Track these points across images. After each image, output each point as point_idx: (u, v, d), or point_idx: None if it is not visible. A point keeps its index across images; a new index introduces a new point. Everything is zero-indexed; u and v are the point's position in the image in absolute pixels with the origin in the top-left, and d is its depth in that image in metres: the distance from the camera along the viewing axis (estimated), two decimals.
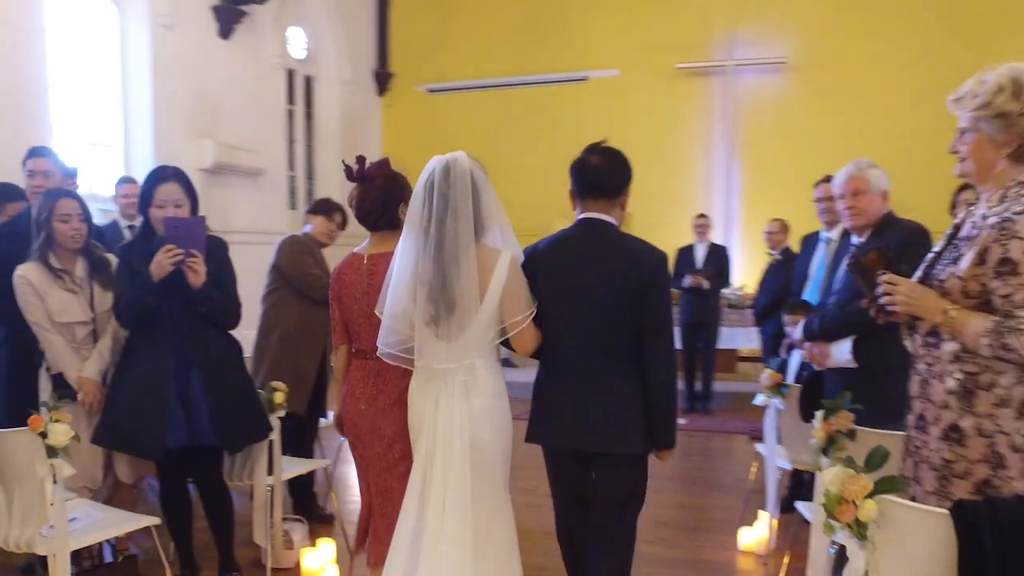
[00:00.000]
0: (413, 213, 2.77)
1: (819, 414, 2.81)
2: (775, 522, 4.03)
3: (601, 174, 3.08)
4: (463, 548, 2.61)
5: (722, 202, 10.91)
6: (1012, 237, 1.98)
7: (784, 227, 7.04)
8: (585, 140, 12.69)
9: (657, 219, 11.22)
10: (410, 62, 12.24)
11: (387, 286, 2.76)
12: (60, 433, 2.68)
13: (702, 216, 8.39)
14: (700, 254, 8.11)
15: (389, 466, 2.91)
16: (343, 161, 3.10)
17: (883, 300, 2.21)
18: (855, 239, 3.39)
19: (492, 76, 11.86)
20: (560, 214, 11.14)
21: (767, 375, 3.96)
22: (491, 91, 11.90)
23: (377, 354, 2.79)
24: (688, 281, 7.89)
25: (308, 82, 11.31)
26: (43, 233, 3.39)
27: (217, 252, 3.40)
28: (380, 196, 2.99)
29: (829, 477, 1.92)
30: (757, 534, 4.12)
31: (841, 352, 3.23)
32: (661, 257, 2.88)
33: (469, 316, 2.68)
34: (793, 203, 10.43)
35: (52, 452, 2.69)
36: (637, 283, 2.77)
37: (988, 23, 9.98)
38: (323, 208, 4.75)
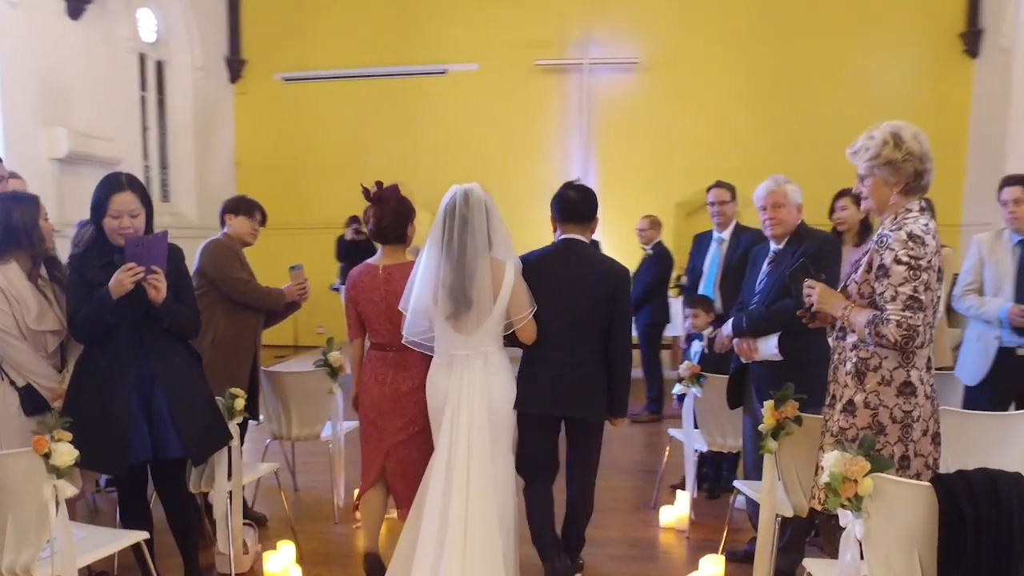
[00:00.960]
0: (436, 230, 3.48)
1: (768, 403, 3.17)
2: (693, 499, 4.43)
3: (577, 205, 3.82)
4: (486, 496, 3.33)
5: None
6: (885, 248, 2.66)
7: (655, 223, 7.55)
8: (446, 132, 13.25)
9: (517, 211, 11.51)
10: (264, 49, 12.02)
11: (410, 287, 3.46)
12: (65, 453, 2.62)
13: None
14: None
15: (410, 438, 3.61)
16: (361, 184, 3.89)
17: (806, 302, 2.92)
18: (774, 246, 3.79)
19: (350, 67, 11.85)
20: (422, 205, 11.31)
21: (686, 366, 4.34)
22: (350, 82, 11.89)
23: (403, 341, 3.48)
24: None
25: (160, 67, 10.84)
26: (30, 233, 3.23)
27: (175, 261, 3.35)
28: (395, 216, 3.73)
29: (832, 460, 2.26)
30: (677, 511, 4.51)
31: (768, 347, 3.64)
32: (626, 270, 3.74)
33: (484, 313, 3.38)
34: (647, 197, 11.13)
35: (55, 472, 2.61)
36: (609, 290, 3.60)
37: (800, 33, 11.07)
38: (243, 207, 4.64)
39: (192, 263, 4.30)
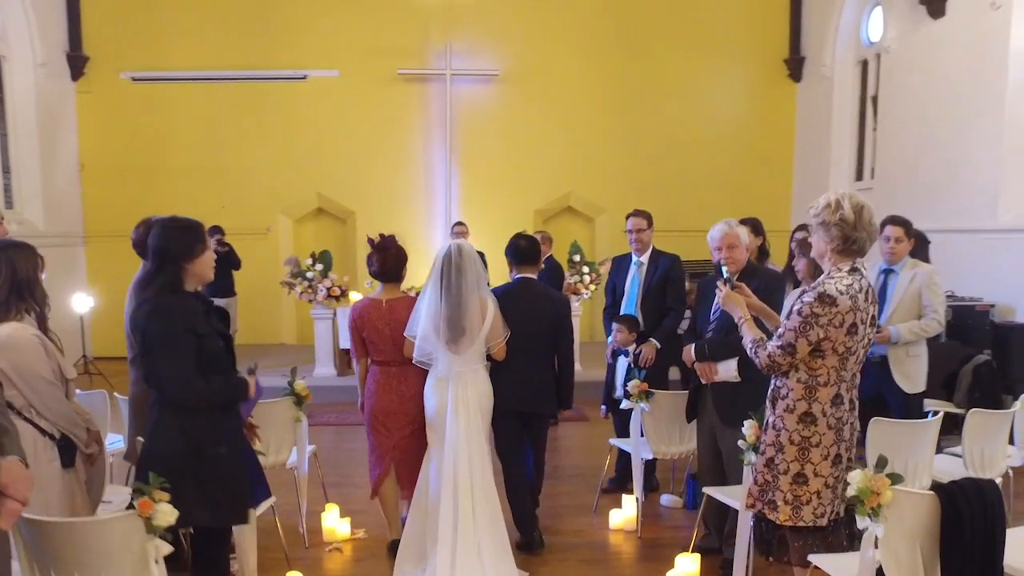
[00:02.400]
0: (435, 276, 4.35)
1: (749, 422, 3.69)
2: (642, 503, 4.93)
3: (527, 251, 4.93)
4: (487, 479, 4.33)
5: (443, 204, 11.68)
6: (802, 297, 3.20)
7: (548, 239, 7.96)
8: (307, 138, 13.44)
9: (380, 217, 11.74)
10: (109, 46, 11.52)
11: (415, 319, 4.38)
12: (167, 513, 2.67)
13: (460, 224, 9.07)
14: None
15: (412, 433, 4.54)
16: (367, 236, 4.71)
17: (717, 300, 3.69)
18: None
19: (206, 68, 11.62)
20: (282, 211, 11.28)
21: (634, 384, 4.82)
22: (205, 84, 11.64)
23: (413, 361, 4.40)
24: None
25: None
26: (35, 287, 3.16)
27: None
28: (395, 261, 4.65)
29: (858, 477, 2.78)
30: (625, 514, 4.99)
31: (727, 370, 4.17)
32: (566, 297, 5.46)
33: (474, 339, 4.37)
34: (508, 204, 11.63)
35: (153, 532, 2.67)
36: (556, 314, 4.86)
37: (648, 52, 11.99)
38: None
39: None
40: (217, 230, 9.93)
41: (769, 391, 3.36)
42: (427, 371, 4.40)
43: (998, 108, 7.93)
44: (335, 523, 4.89)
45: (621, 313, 5.80)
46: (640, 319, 5.69)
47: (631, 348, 5.58)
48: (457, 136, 11.76)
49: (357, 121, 11.72)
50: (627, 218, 5.96)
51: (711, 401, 4.34)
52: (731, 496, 4.09)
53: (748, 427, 3.74)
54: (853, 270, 3.18)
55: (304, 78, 11.69)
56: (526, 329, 4.58)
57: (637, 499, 5.01)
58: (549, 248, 8.16)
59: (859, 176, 10.99)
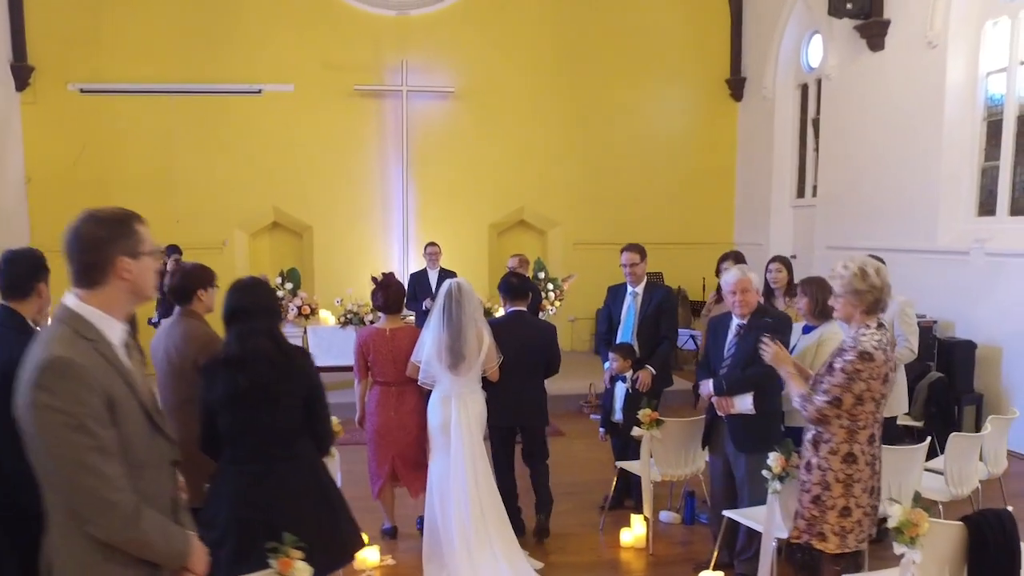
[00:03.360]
0: (437, 309, 5.03)
1: (773, 455, 4.11)
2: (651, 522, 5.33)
3: (518, 288, 5.70)
4: (491, 482, 5.04)
5: (399, 218, 11.88)
6: (842, 355, 3.61)
7: (524, 262, 8.28)
8: (262, 152, 13.71)
9: (338, 232, 11.91)
10: (55, 56, 11.31)
11: (420, 347, 5.09)
12: (303, 570, 2.85)
13: (433, 244, 9.29)
14: (433, 279, 9.02)
15: (412, 441, 5.18)
16: (371, 276, 5.75)
17: (761, 351, 4.04)
18: (737, 320, 4.73)
19: (157, 81, 11.52)
20: (238, 226, 11.29)
21: (645, 413, 5.20)
22: (157, 96, 11.50)
23: (419, 383, 5.11)
24: (427, 304, 8.76)
25: None
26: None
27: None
28: (396, 295, 5.39)
29: (899, 511, 3.21)
30: (635, 532, 5.37)
31: (744, 403, 4.58)
32: (553, 327, 6.04)
33: (471, 365, 5.03)
34: (463, 219, 11.91)
35: None
36: (544, 341, 5.64)
37: (596, 72, 12.48)
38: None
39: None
40: (174, 250, 9.89)
41: (810, 435, 3.75)
42: (422, 390, 5.13)
43: (936, 138, 8.63)
44: (365, 552, 5.11)
45: (618, 340, 6.18)
46: (636, 346, 6.08)
47: (628, 374, 5.95)
48: (413, 151, 11.95)
49: (313, 135, 11.80)
50: (621, 252, 6.30)
51: (726, 431, 4.74)
52: (751, 519, 4.50)
53: (774, 459, 4.15)
54: (879, 326, 3.64)
55: (259, 92, 11.70)
56: (520, 355, 5.34)
57: (647, 518, 5.39)
58: (527, 269, 8.47)
59: (800, 194, 11.68)
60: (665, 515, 5.92)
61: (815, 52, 11.27)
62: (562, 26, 12.27)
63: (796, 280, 6.36)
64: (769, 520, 4.26)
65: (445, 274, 9.27)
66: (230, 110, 11.64)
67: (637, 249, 6.26)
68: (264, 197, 11.84)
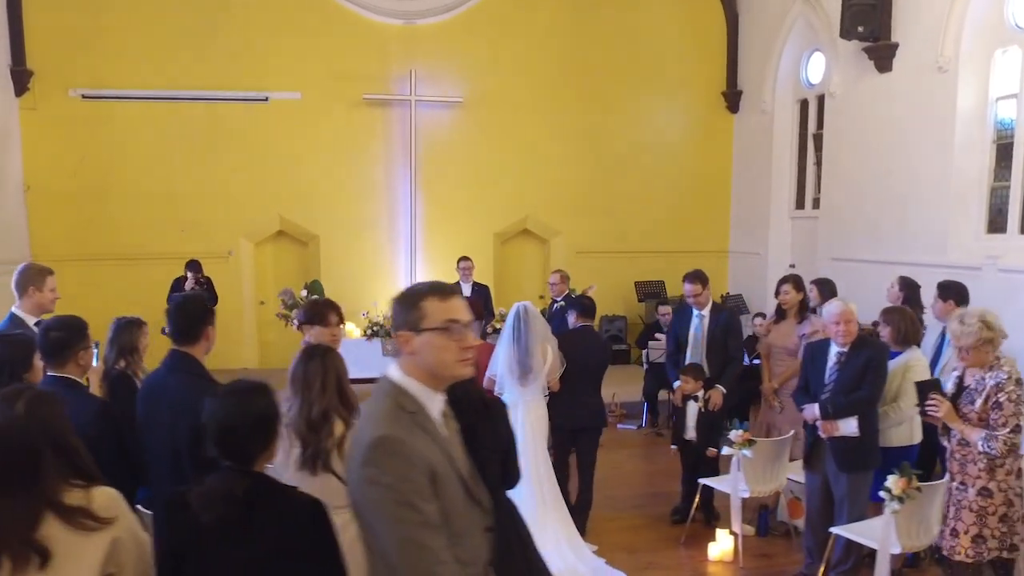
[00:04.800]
0: (507, 328, 5.84)
1: (892, 478, 4.47)
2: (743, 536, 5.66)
3: (589, 307, 6.50)
4: (551, 476, 5.78)
5: (406, 227, 12.01)
6: (1001, 391, 4.08)
7: (565, 278, 8.52)
8: (268, 160, 13.86)
9: (344, 241, 12.00)
10: (56, 61, 11.17)
11: (494, 363, 5.87)
12: None
13: (466, 259, 9.46)
14: (467, 293, 9.21)
15: None
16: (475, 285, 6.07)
17: (929, 410, 4.32)
18: (838, 348, 5.07)
19: (162, 87, 11.40)
20: (243, 235, 11.29)
21: (738, 433, 5.53)
22: (160, 103, 11.50)
23: (494, 393, 5.72)
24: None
25: None
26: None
27: None
28: (476, 314, 5.40)
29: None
30: (722, 547, 5.69)
31: (849, 427, 4.93)
32: (608, 340, 7.08)
33: (537, 377, 5.79)
34: (469, 229, 12.11)
35: None
36: (605, 352, 6.56)
37: (598, 83, 12.81)
38: (317, 315, 4.85)
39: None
40: (195, 267, 9.89)
41: (981, 462, 4.16)
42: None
43: (946, 159, 9.13)
44: None
45: (687, 362, 6.51)
46: (705, 367, 6.41)
47: (700, 394, 6.28)
48: (420, 161, 12.09)
49: (320, 144, 11.84)
50: (684, 282, 6.62)
51: (827, 451, 5.09)
52: (861, 535, 4.86)
53: (893, 481, 4.51)
54: (997, 357, 4.18)
55: (266, 100, 11.70)
56: (585, 364, 6.07)
57: (735, 533, 5.73)
58: (567, 286, 8.69)
59: (799, 205, 12.17)
60: (738, 528, 6.26)
61: (815, 69, 11.75)
62: (566, 38, 12.53)
63: (809, 300, 6.79)
64: (885, 537, 4.62)
65: (478, 288, 9.50)
66: (236, 118, 11.62)
67: (699, 279, 6.59)
68: (270, 206, 11.84)
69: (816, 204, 11.69)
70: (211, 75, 11.48)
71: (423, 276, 12.17)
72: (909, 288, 7.22)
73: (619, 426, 9.47)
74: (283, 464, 3.48)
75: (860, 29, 9.79)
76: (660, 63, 12.91)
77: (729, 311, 6.71)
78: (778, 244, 12.34)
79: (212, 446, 2.41)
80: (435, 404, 2.34)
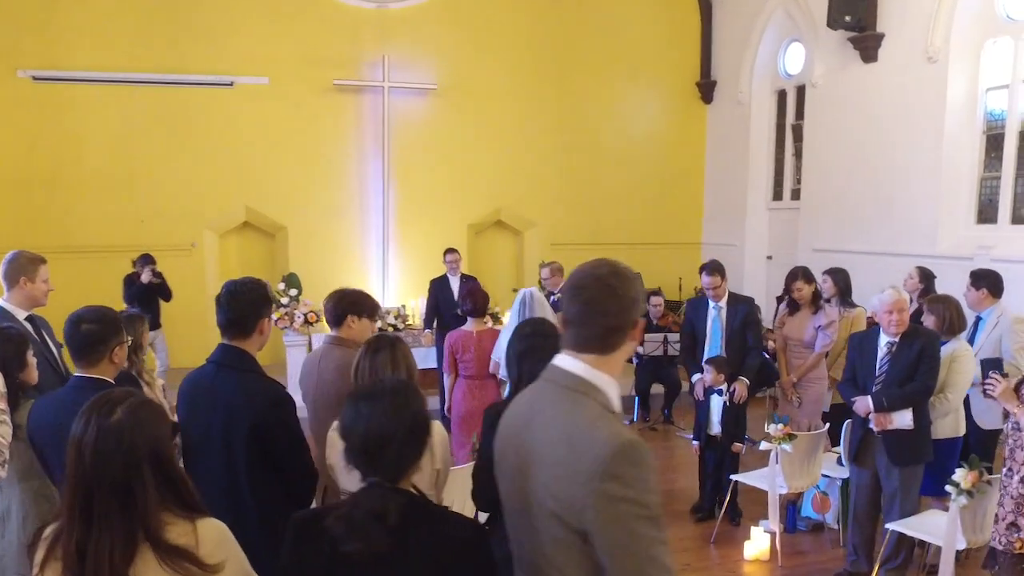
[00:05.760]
0: (513, 313, 5.92)
1: (960, 471, 4.34)
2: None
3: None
4: None
5: (378, 218, 11.62)
6: None
7: (559, 270, 8.28)
8: (234, 148, 13.38)
9: (313, 232, 11.57)
10: (4, 40, 10.46)
11: (498, 347, 5.81)
12: None
13: (453, 251, 9.15)
14: (455, 286, 8.90)
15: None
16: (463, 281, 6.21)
17: (987, 389, 4.25)
18: (889, 338, 4.93)
19: (121, 69, 10.80)
20: (207, 226, 10.78)
21: (777, 428, 5.36)
22: (119, 87, 10.88)
23: (499, 377, 5.84)
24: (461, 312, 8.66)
25: None
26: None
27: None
28: (483, 301, 6.22)
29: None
30: (758, 545, 5.52)
31: (903, 419, 4.79)
32: None
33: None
34: (443, 219, 11.79)
35: None
36: None
37: (572, 72, 12.60)
38: (368, 307, 4.51)
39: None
40: (149, 259, 9.36)
41: None
42: (499, 382, 5.92)
43: (936, 150, 9.16)
44: None
45: (706, 354, 6.33)
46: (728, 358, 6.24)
47: (724, 387, 6.11)
48: (393, 149, 11.69)
49: (288, 131, 11.36)
50: (702, 275, 6.44)
51: (881, 445, 4.94)
52: (918, 530, 4.74)
53: (962, 475, 4.38)
54: None
55: (231, 85, 11.16)
56: None
57: (774, 532, 5.56)
58: (561, 279, 8.46)
59: (778, 196, 12.15)
60: (765, 524, 6.11)
61: (793, 60, 11.74)
62: (541, 26, 12.28)
63: (822, 291, 6.70)
64: (951, 532, 4.49)
65: (467, 280, 9.17)
66: (199, 103, 11.05)
67: (718, 271, 6.41)
68: (235, 196, 11.32)
69: (795, 195, 11.68)
70: (173, 57, 10.90)
71: (396, 268, 11.81)
72: (927, 278, 7.19)
73: None
74: (344, 469, 3.18)
75: (847, 19, 9.77)
76: (634, 53, 12.75)
77: (748, 302, 6.54)
78: (755, 235, 12.31)
79: (356, 459, 2.03)
80: (618, 402, 2.05)
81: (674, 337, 8.69)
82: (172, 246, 10.89)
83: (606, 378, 2.00)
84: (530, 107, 12.31)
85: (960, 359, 5.11)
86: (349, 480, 3.15)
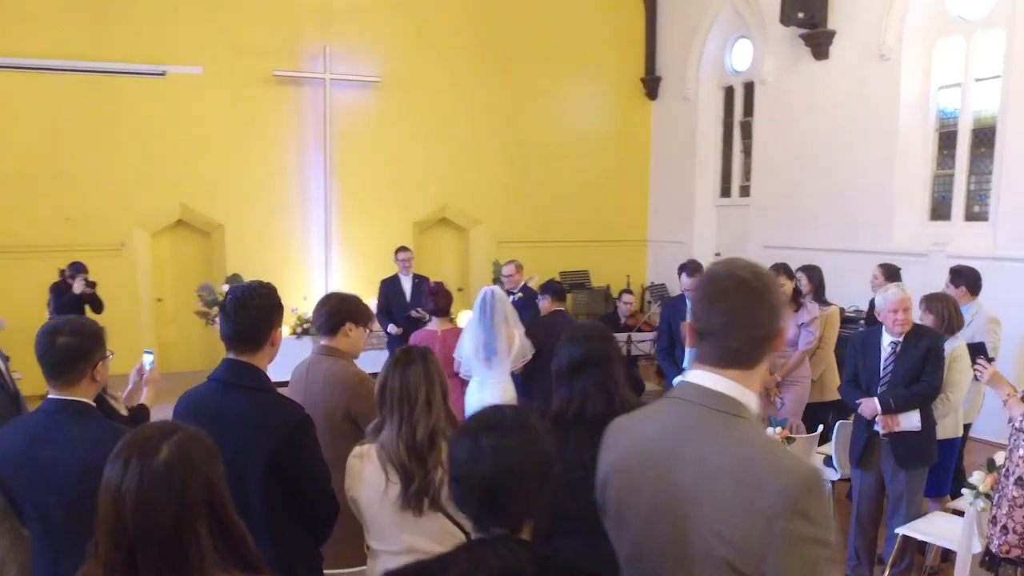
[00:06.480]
0: (476, 312, 5.85)
1: (978, 474, 4.25)
2: None
3: (562, 291, 6.82)
4: None
5: (320, 215, 11.16)
6: None
7: (520, 268, 8.04)
8: (166, 142, 12.76)
9: (251, 230, 11.08)
10: None
11: (461, 345, 5.85)
12: None
13: (405, 250, 8.80)
14: (407, 286, 8.57)
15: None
16: (429, 282, 6.71)
17: (976, 373, 4.24)
18: (893, 338, 4.83)
19: (41, 55, 10.06)
20: (138, 224, 10.18)
21: (776, 431, 5.21)
22: (40, 75, 10.13)
23: (460, 375, 5.85)
24: (415, 313, 8.33)
25: None
26: None
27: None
28: (446, 301, 6.16)
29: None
30: None
31: (911, 421, 4.69)
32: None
33: (502, 360, 5.80)
34: (387, 216, 11.43)
35: None
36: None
37: (518, 67, 12.33)
38: (364, 315, 4.17)
39: None
40: (81, 267, 8.75)
41: (1021, 449, 3.84)
42: (464, 381, 5.89)
43: (890, 147, 9.24)
44: None
45: (686, 356, 6.15)
46: None
47: None
48: (335, 144, 11.23)
49: (225, 125, 10.78)
50: (681, 275, 6.30)
51: (887, 448, 4.83)
52: (929, 535, 4.64)
53: (980, 478, 4.28)
54: None
55: (163, 74, 10.50)
56: (556, 348, 6.01)
57: None
58: (522, 277, 8.21)
59: (726, 193, 12.13)
60: None
61: (740, 56, 11.73)
62: (486, 19, 12.00)
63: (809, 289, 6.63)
64: (968, 535, 4.40)
65: (419, 280, 8.83)
66: (129, 93, 10.38)
67: (699, 271, 6.25)
68: (169, 192, 10.68)
69: (744, 192, 11.68)
70: (101, 44, 10.19)
71: (339, 268, 11.36)
72: (892, 275, 7.15)
73: None
74: (374, 503, 2.82)
75: (800, 15, 9.77)
76: (579, 47, 12.58)
77: None
78: (703, 232, 12.28)
79: (473, 504, 1.70)
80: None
81: (639, 337, 8.52)
82: (100, 246, 10.21)
83: (752, 396, 1.76)
84: (475, 102, 12.01)
85: (960, 358, 5.04)
86: (380, 517, 2.82)
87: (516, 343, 5.86)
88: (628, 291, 10.00)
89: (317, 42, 11.04)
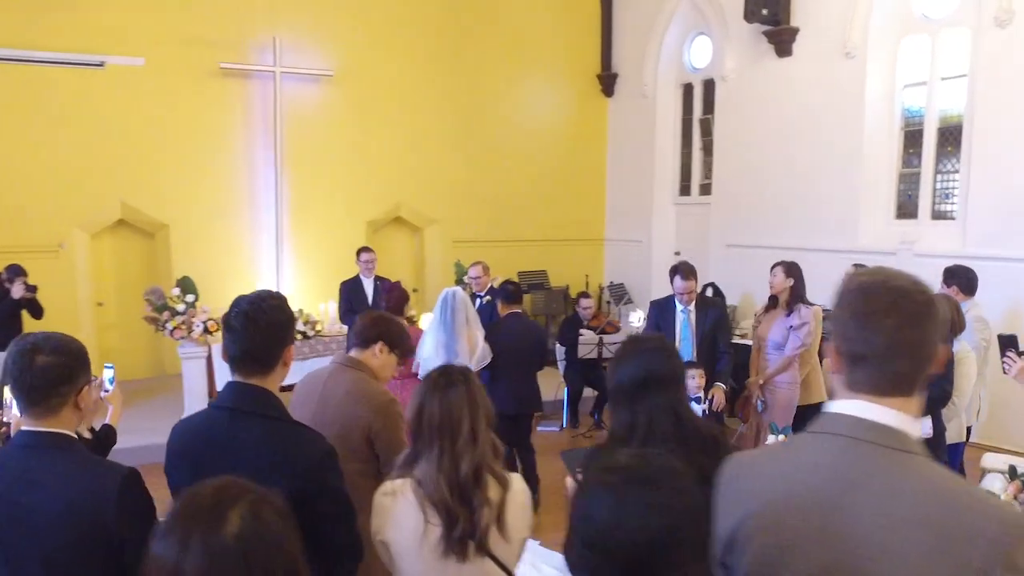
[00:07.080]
0: (436, 313, 5.87)
1: (998, 480, 4.10)
2: None
3: (515, 294, 6.64)
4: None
5: (270, 214, 10.69)
6: None
7: (487, 269, 7.78)
8: (106, 137, 12.21)
9: (198, 230, 10.58)
10: None
11: (421, 345, 5.82)
12: None
13: (368, 251, 8.44)
14: (369, 289, 8.21)
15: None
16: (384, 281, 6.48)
17: (1005, 366, 4.15)
18: None
19: None
20: (77, 224, 9.60)
21: (778, 439, 5.01)
22: None
23: (419, 377, 5.45)
24: None
25: None
26: None
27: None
28: (399, 300, 6.14)
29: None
30: None
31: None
32: (543, 328, 8.13)
33: (464, 362, 5.51)
34: (340, 215, 11.03)
35: None
36: (537, 339, 6.65)
37: (474, 64, 12.04)
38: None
39: None
40: (19, 270, 8.17)
41: None
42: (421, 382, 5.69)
43: (855, 145, 9.19)
44: None
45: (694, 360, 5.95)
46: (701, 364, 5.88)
47: (700, 395, 5.73)
48: (285, 140, 10.74)
49: (168, 119, 10.23)
50: (673, 278, 6.06)
51: None
52: None
53: (1001, 486, 4.14)
54: None
55: (101, 65, 9.90)
56: (519, 351, 6.25)
57: None
58: (489, 279, 7.92)
59: (686, 191, 12.00)
60: None
61: (699, 53, 11.60)
62: (441, 13, 11.65)
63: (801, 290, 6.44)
64: None
65: (381, 282, 8.47)
66: (65, 85, 9.75)
67: (693, 275, 6.08)
68: (109, 190, 10.08)
69: (704, 190, 11.56)
70: (34, 32, 9.53)
71: (290, 269, 10.90)
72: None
73: (539, 428, 8.78)
74: (412, 547, 2.48)
75: (764, 12, 9.67)
76: (533, 43, 12.33)
77: (719, 307, 6.23)
78: (662, 231, 12.13)
79: (617, 572, 1.38)
80: None
81: (610, 339, 8.31)
82: (36, 247, 9.58)
83: (918, 427, 1.54)
84: (429, 99, 11.65)
85: (963, 361, 4.93)
86: (417, 563, 2.47)
87: (479, 346, 5.90)
88: (586, 294, 9.77)
89: (266, 33, 10.54)
